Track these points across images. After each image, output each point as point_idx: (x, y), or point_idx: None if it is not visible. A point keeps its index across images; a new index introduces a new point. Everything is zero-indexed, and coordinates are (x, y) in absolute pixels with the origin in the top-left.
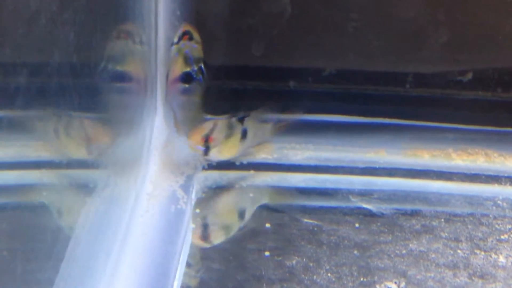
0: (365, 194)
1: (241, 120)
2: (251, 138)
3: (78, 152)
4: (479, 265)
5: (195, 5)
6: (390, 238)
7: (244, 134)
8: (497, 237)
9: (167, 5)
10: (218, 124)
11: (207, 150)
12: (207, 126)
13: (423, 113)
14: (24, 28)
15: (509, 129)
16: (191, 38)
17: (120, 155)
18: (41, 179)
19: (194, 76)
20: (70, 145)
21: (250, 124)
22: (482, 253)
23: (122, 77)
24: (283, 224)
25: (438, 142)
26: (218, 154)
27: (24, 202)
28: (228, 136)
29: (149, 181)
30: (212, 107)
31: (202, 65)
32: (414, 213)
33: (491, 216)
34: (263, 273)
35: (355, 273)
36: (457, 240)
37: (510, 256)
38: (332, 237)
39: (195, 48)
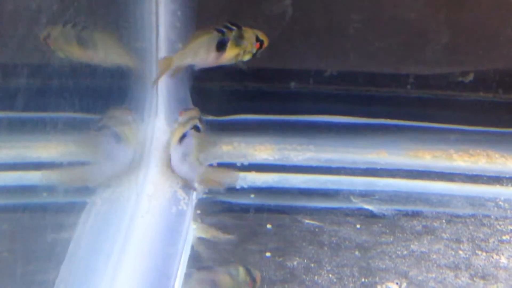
0: (366, 195)
1: (194, 128)
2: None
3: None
4: (480, 266)
5: (196, 6)
6: (391, 239)
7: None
8: (499, 238)
9: (167, 6)
10: (193, 119)
11: None
12: (191, 112)
13: (425, 114)
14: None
15: (510, 130)
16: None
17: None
18: (42, 180)
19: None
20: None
21: (198, 138)
22: (484, 254)
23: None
24: (284, 225)
25: (439, 143)
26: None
27: (25, 203)
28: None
29: (150, 182)
30: (213, 108)
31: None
32: (415, 214)
33: (492, 217)
34: (264, 274)
35: (356, 274)
36: (458, 241)
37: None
38: (333, 238)
39: None
